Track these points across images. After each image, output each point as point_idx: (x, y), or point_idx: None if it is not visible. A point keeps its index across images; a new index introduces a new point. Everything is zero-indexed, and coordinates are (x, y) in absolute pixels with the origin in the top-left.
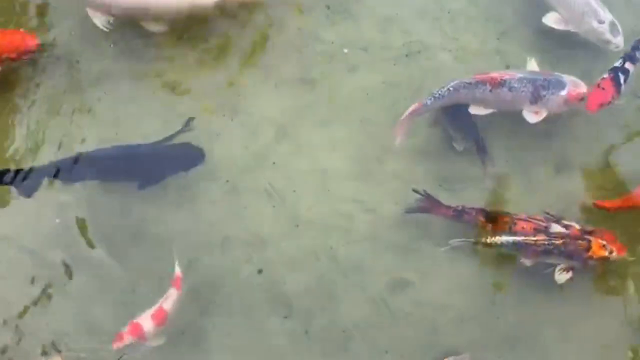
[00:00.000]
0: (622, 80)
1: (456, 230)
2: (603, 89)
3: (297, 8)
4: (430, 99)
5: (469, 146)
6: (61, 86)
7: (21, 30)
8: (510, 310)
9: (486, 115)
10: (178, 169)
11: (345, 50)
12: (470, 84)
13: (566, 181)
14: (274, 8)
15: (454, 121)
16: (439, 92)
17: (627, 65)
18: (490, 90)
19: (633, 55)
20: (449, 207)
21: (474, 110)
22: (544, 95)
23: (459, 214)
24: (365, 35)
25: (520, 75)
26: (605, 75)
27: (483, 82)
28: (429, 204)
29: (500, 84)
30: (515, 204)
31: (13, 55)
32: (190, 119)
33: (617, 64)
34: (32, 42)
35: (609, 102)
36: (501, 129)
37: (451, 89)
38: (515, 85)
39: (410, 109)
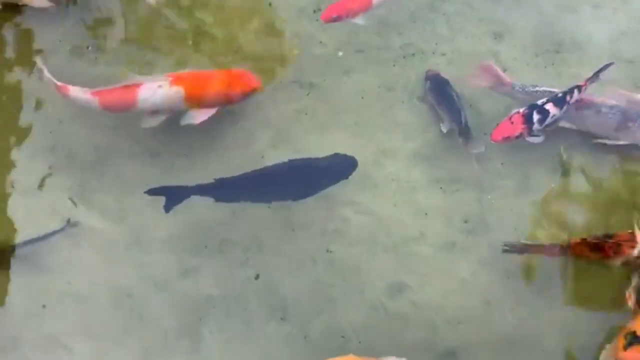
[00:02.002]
0: (535, 119)
1: (454, 230)
2: (512, 122)
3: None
4: (520, 88)
5: (453, 127)
6: None
7: (246, 71)
8: (507, 310)
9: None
10: (337, 178)
11: (340, 54)
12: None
13: (563, 183)
14: (267, 12)
15: (441, 102)
16: (532, 88)
17: (549, 106)
18: (576, 109)
19: (562, 98)
20: (553, 246)
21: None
22: (630, 127)
23: (564, 250)
24: (361, 38)
25: (612, 102)
26: (520, 110)
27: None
28: (529, 248)
29: (588, 105)
30: (511, 206)
31: (236, 99)
32: (69, 221)
33: (539, 102)
34: (256, 83)
35: (516, 137)
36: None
37: (541, 91)
38: (604, 110)
39: (501, 76)
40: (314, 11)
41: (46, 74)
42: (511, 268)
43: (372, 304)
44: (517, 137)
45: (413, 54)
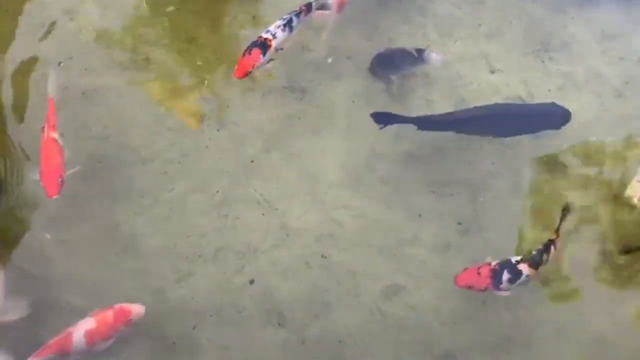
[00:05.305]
0: (504, 279)
1: (448, 232)
2: (479, 273)
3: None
4: None
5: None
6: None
7: None
8: (503, 310)
9: None
10: (548, 126)
11: (330, 60)
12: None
13: (555, 181)
14: (260, 18)
15: (391, 62)
16: None
17: (524, 267)
18: None
19: (537, 257)
20: None
21: None
22: None
23: None
24: (351, 44)
25: None
26: (492, 263)
27: None
28: None
29: None
30: (504, 206)
31: None
32: None
33: (514, 259)
34: None
35: (480, 290)
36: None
37: None
38: None
39: None
40: None
41: None
42: None
43: (368, 307)
44: (482, 290)
45: None
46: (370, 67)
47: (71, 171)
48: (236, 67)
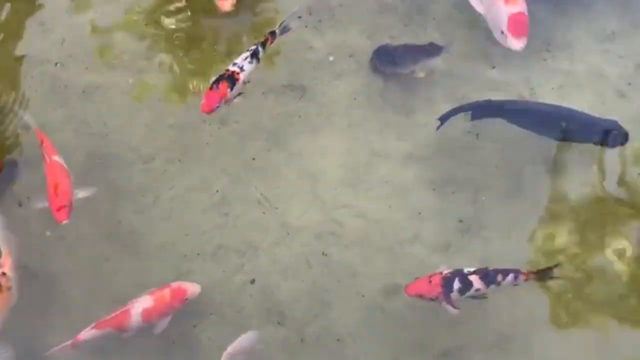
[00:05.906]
0: (455, 288)
1: (449, 231)
2: (430, 282)
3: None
4: None
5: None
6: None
7: None
8: (503, 309)
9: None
10: (597, 140)
11: (331, 58)
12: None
13: (557, 181)
14: (260, 16)
15: (398, 58)
16: None
17: (474, 278)
18: None
19: (491, 275)
20: None
21: None
22: None
23: None
24: (352, 42)
25: None
26: (443, 272)
27: None
28: None
29: None
30: (505, 206)
31: None
32: None
33: (467, 269)
34: None
35: (430, 299)
36: (493, 128)
37: None
38: None
39: None
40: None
41: None
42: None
43: (368, 306)
44: (432, 299)
45: None
46: (370, 63)
47: (83, 193)
48: (203, 101)
